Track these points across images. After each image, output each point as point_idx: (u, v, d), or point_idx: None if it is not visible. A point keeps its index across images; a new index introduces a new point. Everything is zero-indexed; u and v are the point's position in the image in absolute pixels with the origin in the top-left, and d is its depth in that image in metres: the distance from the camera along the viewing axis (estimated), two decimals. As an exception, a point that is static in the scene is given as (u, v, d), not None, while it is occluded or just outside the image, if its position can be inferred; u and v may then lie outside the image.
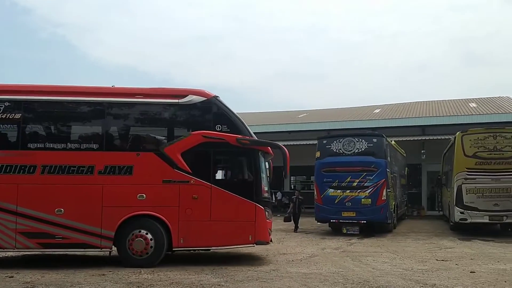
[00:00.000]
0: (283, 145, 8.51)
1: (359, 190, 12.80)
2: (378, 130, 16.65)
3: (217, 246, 8.06)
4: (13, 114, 7.74)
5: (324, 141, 13.82)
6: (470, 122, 18.24)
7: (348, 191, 12.86)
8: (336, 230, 13.59)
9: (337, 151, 13.29)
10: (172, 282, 6.47)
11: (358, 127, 19.95)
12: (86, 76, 67.80)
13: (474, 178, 12.35)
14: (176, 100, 8.04)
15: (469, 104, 23.57)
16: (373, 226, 13.26)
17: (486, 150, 12.36)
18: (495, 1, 67.02)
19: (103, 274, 6.98)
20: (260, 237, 7.96)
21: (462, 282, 6.58)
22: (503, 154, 12.24)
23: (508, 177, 12.13)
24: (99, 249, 7.74)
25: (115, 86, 8.59)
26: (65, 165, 7.66)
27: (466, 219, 12.41)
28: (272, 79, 67.85)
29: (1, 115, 7.70)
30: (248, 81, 68.53)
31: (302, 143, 19.09)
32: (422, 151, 19.70)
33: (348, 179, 12.88)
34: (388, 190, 13.01)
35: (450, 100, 25.75)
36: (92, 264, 7.81)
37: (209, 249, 8.26)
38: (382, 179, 12.80)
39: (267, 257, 8.84)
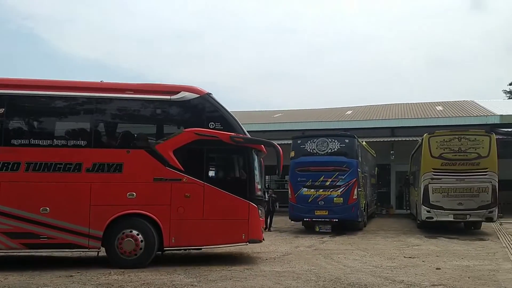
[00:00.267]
0: None
1: (331, 189, 13.05)
2: (350, 131, 16.91)
3: (210, 245, 7.97)
4: None
5: (299, 141, 14.01)
6: (436, 125, 18.89)
7: (321, 190, 13.09)
8: (309, 229, 13.79)
9: (311, 151, 13.51)
10: (143, 283, 6.34)
11: (332, 127, 20.22)
12: (56, 70, 65.48)
13: (440, 178, 12.80)
14: (168, 97, 7.86)
15: (436, 107, 24.40)
16: (345, 224, 13.54)
17: (451, 151, 12.83)
18: (464, 7, 69.74)
19: (71, 276, 6.78)
20: (253, 236, 7.91)
21: (428, 279, 6.83)
22: (467, 155, 12.74)
23: (471, 178, 12.64)
24: (87, 249, 7.51)
25: (103, 81, 8.30)
26: (51, 163, 7.37)
27: (432, 218, 12.84)
28: (247, 78, 67.87)
29: None
30: (223, 81, 68.28)
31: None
32: (391, 152, 20.16)
33: (321, 178, 13.12)
34: (359, 189, 13.34)
35: (418, 103, 26.57)
36: (59, 266, 7.58)
37: (201, 248, 8.16)
38: (353, 178, 13.12)
39: (241, 256, 8.88)
